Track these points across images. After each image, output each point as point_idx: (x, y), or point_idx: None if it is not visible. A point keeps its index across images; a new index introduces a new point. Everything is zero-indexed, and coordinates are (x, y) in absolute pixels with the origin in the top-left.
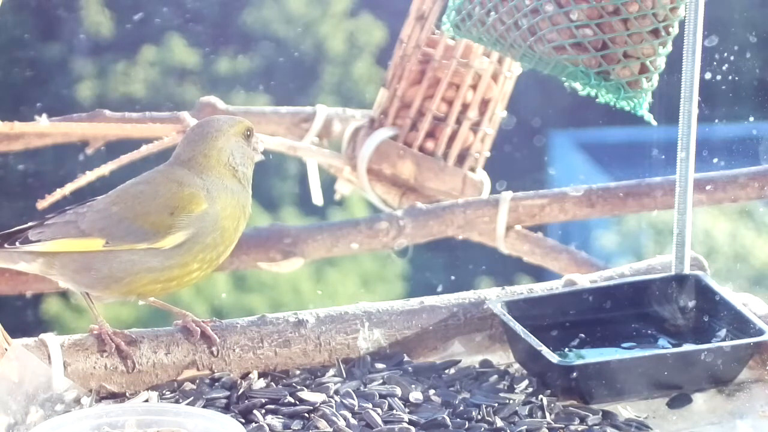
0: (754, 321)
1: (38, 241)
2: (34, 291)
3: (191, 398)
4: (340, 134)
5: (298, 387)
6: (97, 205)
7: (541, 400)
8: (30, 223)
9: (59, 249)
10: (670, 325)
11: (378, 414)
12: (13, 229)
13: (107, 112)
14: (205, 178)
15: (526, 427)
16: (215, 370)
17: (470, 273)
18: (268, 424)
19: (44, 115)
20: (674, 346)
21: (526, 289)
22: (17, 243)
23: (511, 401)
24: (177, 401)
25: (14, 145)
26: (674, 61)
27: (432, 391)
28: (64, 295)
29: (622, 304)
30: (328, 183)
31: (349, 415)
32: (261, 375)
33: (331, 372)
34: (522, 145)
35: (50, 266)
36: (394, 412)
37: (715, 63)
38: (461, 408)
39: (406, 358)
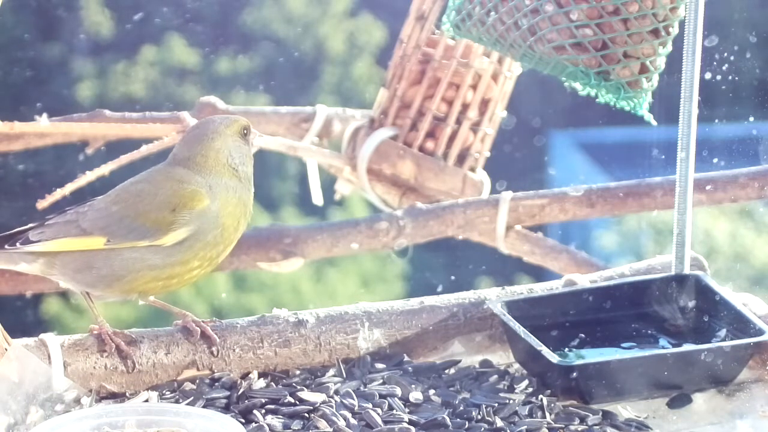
0: (754, 321)
1: (39, 241)
2: (34, 291)
3: (191, 398)
4: (340, 134)
5: (298, 387)
6: (98, 204)
7: (541, 400)
8: (30, 225)
9: (60, 248)
10: (670, 325)
11: (378, 414)
12: (13, 231)
13: (107, 112)
14: (205, 176)
15: (526, 427)
16: (215, 370)
17: (470, 273)
18: (268, 424)
19: (44, 115)
20: (674, 346)
21: (526, 289)
22: (18, 244)
23: (511, 401)
24: (177, 401)
25: (14, 145)
26: (674, 61)
27: (432, 391)
28: (64, 295)
29: (622, 304)
30: (328, 183)
31: (349, 415)
32: (261, 375)
33: (331, 372)
34: (522, 145)
35: (51, 266)
36: (394, 412)
37: (715, 63)
38: (461, 408)
39: (406, 358)
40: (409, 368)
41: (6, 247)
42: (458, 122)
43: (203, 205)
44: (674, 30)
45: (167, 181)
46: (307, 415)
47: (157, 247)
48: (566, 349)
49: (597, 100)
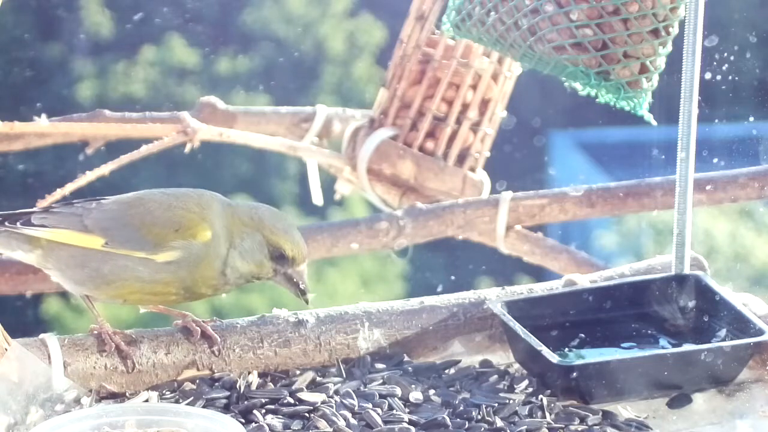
0: (754, 321)
1: (41, 226)
2: (34, 291)
3: (191, 398)
4: (340, 134)
5: (298, 387)
6: (106, 204)
7: (541, 400)
8: (34, 208)
9: (59, 239)
10: (670, 325)
11: (378, 414)
12: (16, 212)
13: (107, 112)
14: (219, 229)
15: (526, 427)
16: (215, 370)
17: (470, 273)
18: (268, 424)
19: (43, 116)
20: (674, 346)
21: (526, 289)
22: (18, 223)
23: (511, 401)
24: (177, 401)
25: (14, 145)
26: (674, 61)
27: (432, 391)
28: (64, 295)
29: (622, 304)
30: (328, 183)
31: (349, 415)
32: (261, 375)
33: (331, 372)
34: (522, 145)
35: (47, 259)
36: (394, 412)
37: (715, 63)
38: (461, 408)
39: (406, 358)
40: (409, 368)
41: (6, 224)
42: (458, 122)
43: (203, 239)
44: (674, 30)
45: (189, 203)
46: (307, 415)
47: (149, 260)
48: (566, 349)
49: (597, 100)
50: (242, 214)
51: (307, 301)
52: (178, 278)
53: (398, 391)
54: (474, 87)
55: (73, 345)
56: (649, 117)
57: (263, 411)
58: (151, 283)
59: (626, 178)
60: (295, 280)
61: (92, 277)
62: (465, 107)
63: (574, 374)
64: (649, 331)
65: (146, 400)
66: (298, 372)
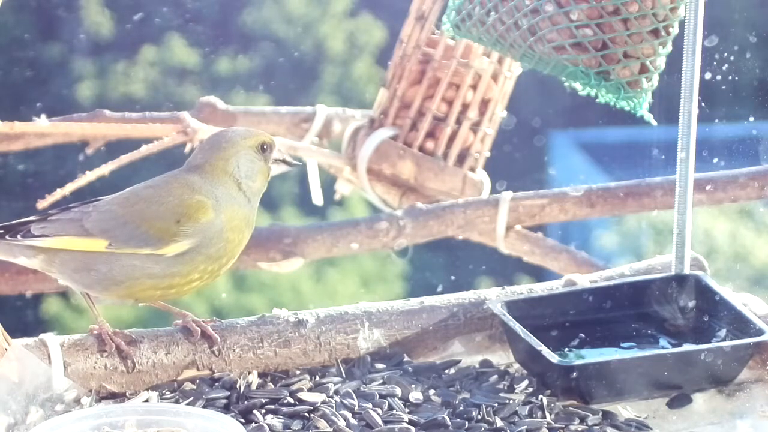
0: (754, 321)
1: (41, 236)
2: (34, 291)
3: (191, 398)
4: (340, 134)
5: (298, 387)
6: (103, 205)
7: (541, 400)
8: (32, 217)
9: (61, 246)
10: (670, 325)
11: (378, 414)
12: (14, 222)
13: (107, 112)
14: (214, 186)
15: (526, 427)
16: (215, 370)
17: (470, 273)
18: (268, 424)
19: (42, 116)
20: (674, 346)
21: (526, 289)
22: (19, 236)
23: (511, 401)
24: (177, 401)
25: (14, 145)
26: (674, 61)
27: (432, 391)
28: (64, 295)
29: (622, 304)
30: (328, 183)
31: (349, 415)
32: (261, 375)
33: (331, 372)
34: (522, 145)
35: (50, 263)
36: (394, 412)
37: (715, 63)
38: (461, 408)
39: (406, 358)
40: (409, 368)
41: (7, 237)
42: (458, 122)
43: (208, 217)
44: (674, 30)
45: (176, 189)
46: (307, 415)
47: (158, 256)
48: (566, 349)
49: (597, 100)
50: (216, 157)
51: (290, 164)
52: (195, 264)
53: (398, 391)
54: (474, 87)
55: (73, 345)
56: (649, 117)
57: (263, 411)
58: (166, 277)
59: (626, 178)
60: (281, 158)
61: (100, 279)
62: (465, 107)
63: (574, 374)
64: (649, 331)
65: (146, 400)
66: (298, 372)
